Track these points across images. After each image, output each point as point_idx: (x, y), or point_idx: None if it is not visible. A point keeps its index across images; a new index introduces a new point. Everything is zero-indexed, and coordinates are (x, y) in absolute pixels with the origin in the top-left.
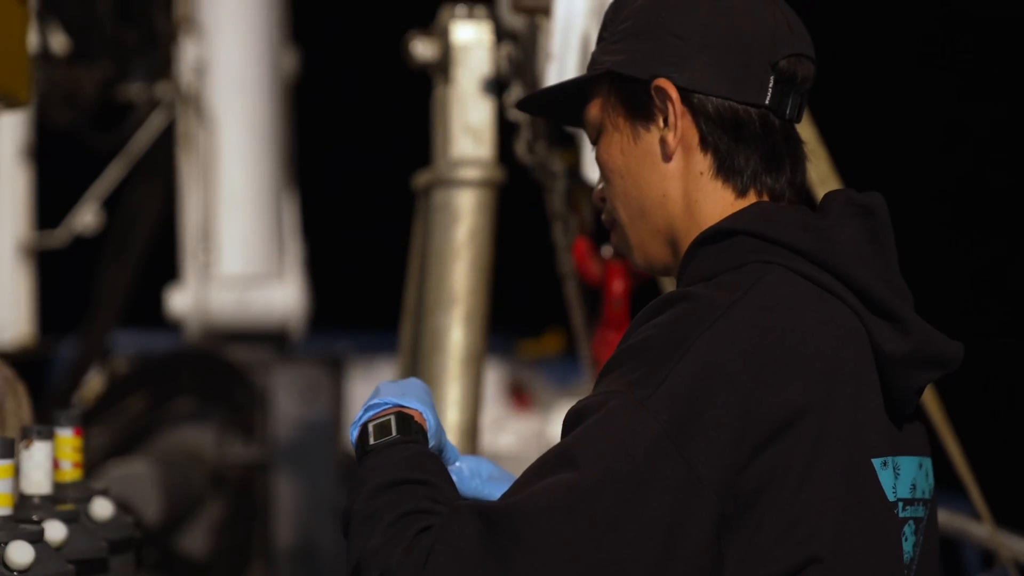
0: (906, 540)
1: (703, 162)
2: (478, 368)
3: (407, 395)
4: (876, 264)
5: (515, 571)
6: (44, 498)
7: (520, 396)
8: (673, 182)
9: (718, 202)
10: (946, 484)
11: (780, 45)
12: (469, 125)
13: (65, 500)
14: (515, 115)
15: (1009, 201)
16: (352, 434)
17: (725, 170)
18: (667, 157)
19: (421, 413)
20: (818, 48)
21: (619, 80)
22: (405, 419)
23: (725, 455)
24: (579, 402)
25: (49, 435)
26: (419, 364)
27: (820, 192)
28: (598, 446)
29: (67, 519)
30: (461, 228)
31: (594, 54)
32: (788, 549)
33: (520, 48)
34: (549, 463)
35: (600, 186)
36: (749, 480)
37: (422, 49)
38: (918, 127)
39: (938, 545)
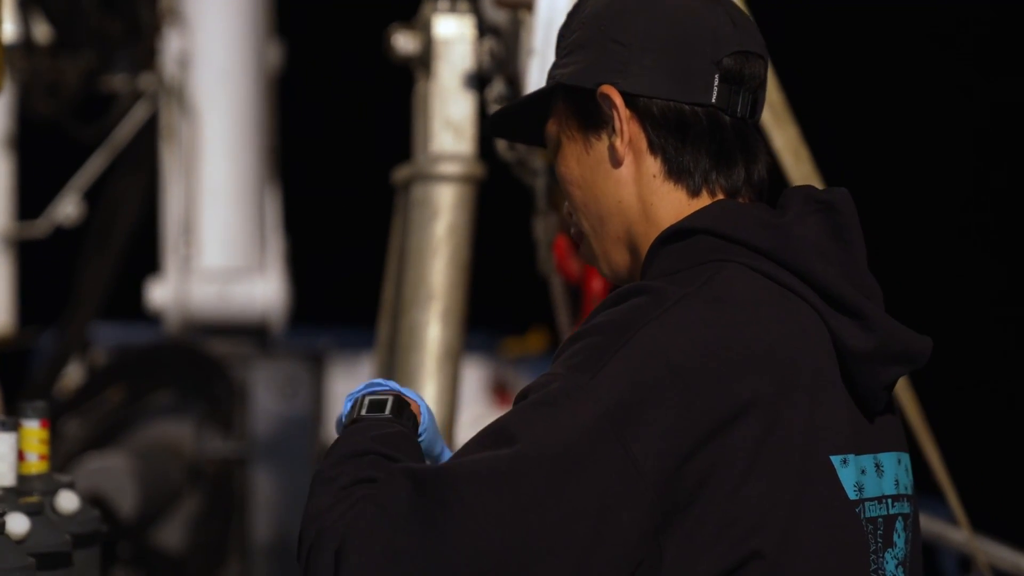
0: (899, 536)
1: (654, 165)
2: (455, 365)
3: (410, 390)
4: (839, 260)
5: (439, 534)
6: (7, 490)
7: (503, 394)
8: (627, 188)
9: (673, 203)
10: (924, 489)
11: (723, 43)
12: (450, 120)
13: (30, 492)
14: (496, 110)
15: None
16: (345, 406)
17: (676, 171)
18: (617, 163)
19: (419, 405)
20: (812, 49)
21: (569, 92)
22: (401, 404)
23: (664, 444)
24: (527, 385)
25: (14, 426)
26: (396, 360)
27: None
28: (534, 425)
29: (31, 512)
30: (440, 224)
31: (549, 70)
32: (728, 544)
33: (502, 43)
34: (486, 438)
35: (567, 201)
36: (690, 474)
37: (403, 43)
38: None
39: (921, 541)
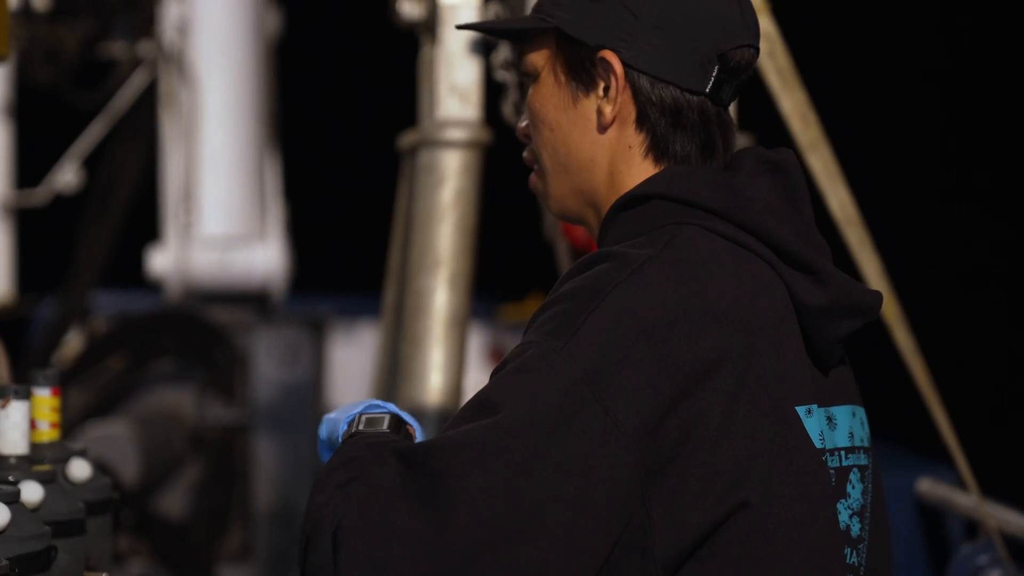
0: (853, 487)
1: (635, 137)
2: (462, 331)
3: (407, 414)
4: (790, 219)
5: (432, 507)
6: (20, 458)
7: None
8: (602, 150)
9: (641, 177)
10: (932, 452)
11: (730, 35)
12: (455, 85)
13: (42, 460)
14: (502, 76)
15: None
16: (341, 428)
17: (657, 150)
18: (603, 128)
19: (415, 429)
20: (820, 13)
21: (565, 39)
22: (399, 423)
23: (643, 403)
24: (504, 358)
25: (26, 395)
26: (403, 327)
27: (808, 155)
28: (513, 392)
29: (44, 480)
30: (446, 190)
31: None
32: (715, 497)
33: (508, 7)
34: (469, 411)
35: (525, 123)
36: (670, 430)
37: (409, 8)
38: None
39: (885, 493)
